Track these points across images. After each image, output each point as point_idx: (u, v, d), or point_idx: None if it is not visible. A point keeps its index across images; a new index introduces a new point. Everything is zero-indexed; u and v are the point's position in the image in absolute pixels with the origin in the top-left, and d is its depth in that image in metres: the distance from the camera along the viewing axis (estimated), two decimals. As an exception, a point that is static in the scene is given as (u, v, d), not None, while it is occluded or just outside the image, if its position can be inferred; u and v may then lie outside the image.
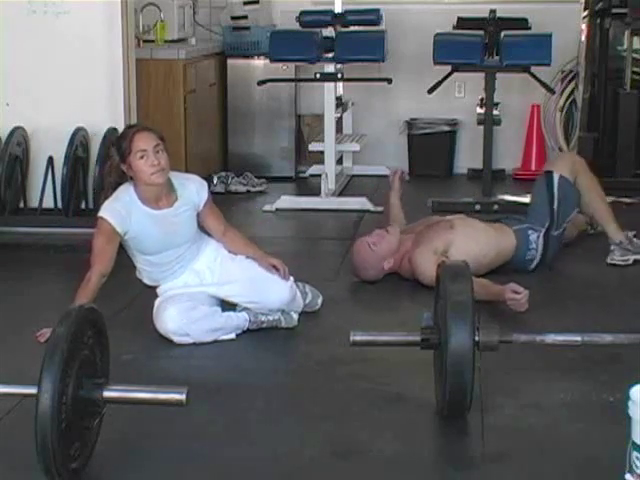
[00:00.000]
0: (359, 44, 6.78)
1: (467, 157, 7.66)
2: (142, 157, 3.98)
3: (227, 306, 4.21)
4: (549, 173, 5.10)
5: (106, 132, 5.55)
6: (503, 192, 6.74)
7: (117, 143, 4.09)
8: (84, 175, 5.62)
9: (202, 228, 4.26)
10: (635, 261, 5.07)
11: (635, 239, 5.17)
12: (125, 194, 4.05)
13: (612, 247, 5.13)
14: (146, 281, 4.24)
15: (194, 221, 4.19)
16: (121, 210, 4.01)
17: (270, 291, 4.18)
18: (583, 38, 7.07)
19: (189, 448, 3.12)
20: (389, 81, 6.79)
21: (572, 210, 5.11)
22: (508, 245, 4.92)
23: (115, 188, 4.08)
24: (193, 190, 4.17)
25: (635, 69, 7.11)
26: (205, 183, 4.25)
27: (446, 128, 7.68)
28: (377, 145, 7.78)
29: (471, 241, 4.78)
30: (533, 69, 6.34)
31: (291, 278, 4.25)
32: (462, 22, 6.97)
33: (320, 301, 4.46)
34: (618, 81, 7.10)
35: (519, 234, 4.94)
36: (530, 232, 4.95)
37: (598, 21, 6.99)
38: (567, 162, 5.22)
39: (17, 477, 2.96)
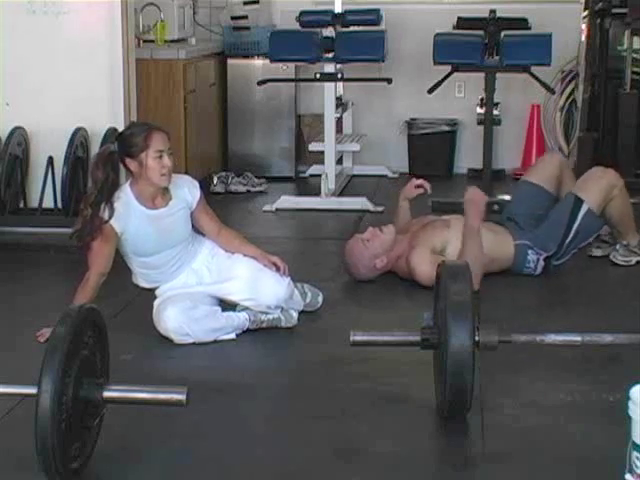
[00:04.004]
0: (359, 44, 6.78)
1: (467, 157, 7.66)
2: (159, 157, 3.98)
3: (226, 306, 4.21)
4: (579, 201, 4.86)
5: (106, 132, 5.55)
6: (503, 192, 6.73)
7: (126, 138, 4.02)
8: (84, 175, 5.61)
9: (196, 229, 4.26)
10: (638, 262, 5.07)
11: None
12: (122, 193, 4.05)
13: (617, 246, 5.12)
14: (143, 284, 4.24)
15: (188, 221, 4.19)
16: (120, 209, 4.01)
17: (267, 287, 4.17)
18: (583, 38, 7.07)
19: (189, 448, 3.12)
20: (389, 81, 6.79)
21: (585, 241, 4.97)
22: (505, 255, 4.87)
23: (104, 184, 3.97)
24: (186, 189, 4.17)
25: (635, 69, 7.11)
26: (196, 182, 4.25)
27: (446, 128, 7.68)
28: (377, 145, 7.78)
29: None
30: (533, 69, 6.34)
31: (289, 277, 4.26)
32: (462, 22, 6.98)
33: (321, 299, 4.46)
34: (618, 81, 7.11)
35: (518, 249, 4.87)
36: (530, 252, 4.87)
37: (598, 21, 6.99)
38: (603, 189, 4.88)
39: (17, 477, 2.96)
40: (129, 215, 4.03)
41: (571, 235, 4.86)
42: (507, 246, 4.88)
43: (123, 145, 4.01)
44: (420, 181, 5.17)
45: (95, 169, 4.00)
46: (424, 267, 4.65)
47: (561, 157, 5.35)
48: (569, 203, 4.89)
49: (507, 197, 6.54)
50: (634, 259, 5.06)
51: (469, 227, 4.65)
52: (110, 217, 3.97)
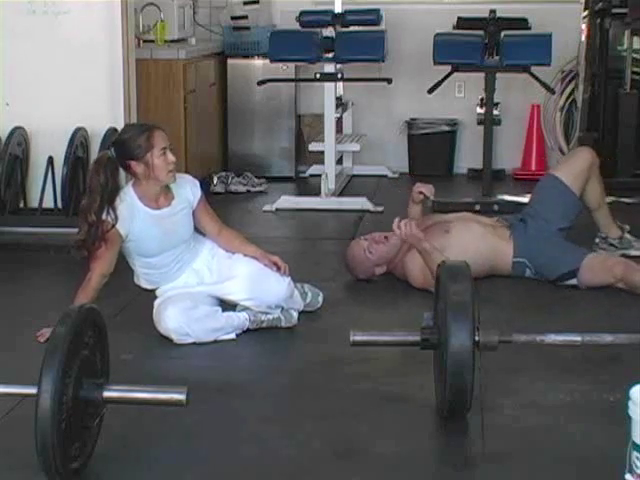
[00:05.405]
0: (359, 44, 6.78)
1: (467, 157, 7.66)
2: (163, 154, 3.98)
3: (227, 306, 4.21)
4: (573, 274, 4.74)
5: (106, 132, 5.55)
6: (503, 192, 6.74)
7: (126, 141, 4.00)
8: (84, 175, 5.61)
9: (196, 229, 4.25)
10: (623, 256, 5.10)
11: (629, 235, 5.20)
12: (126, 195, 4.04)
13: (597, 239, 5.18)
14: (145, 285, 4.23)
15: (191, 220, 4.19)
16: (124, 211, 4.01)
17: (268, 286, 4.17)
18: (583, 38, 7.07)
19: (189, 448, 3.12)
20: (389, 81, 6.80)
21: None
22: (501, 268, 4.85)
23: (105, 189, 3.95)
24: (187, 189, 4.18)
25: (635, 69, 7.11)
26: (197, 182, 4.25)
27: (446, 128, 7.68)
28: (377, 145, 7.78)
29: (465, 248, 4.65)
30: (533, 69, 6.34)
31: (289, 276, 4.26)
32: (462, 22, 6.97)
33: (321, 299, 4.46)
34: (618, 81, 7.11)
35: (516, 266, 4.84)
36: (527, 270, 4.84)
37: (598, 21, 6.99)
38: (607, 279, 4.70)
39: (17, 477, 2.96)
40: (133, 217, 4.03)
41: (560, 283, 4.79)
42: (505, 260, 4.84)
43: (125, 149, 3.99)
44: (421, 188, 5.08)
45: (95, 175, 3.97)
46: (417, 272, 4.66)
47: (592, 152, 5.16)
48: (566, 265, 4.77)
49: (507, 197, 6.58)
50: (616, 254, 5.07)
51: (421, 253, 4.56)
52: (115, 221, 3.96)
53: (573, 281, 4.73)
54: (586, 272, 4.71)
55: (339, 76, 6.84)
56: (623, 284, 4.67)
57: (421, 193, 5.03)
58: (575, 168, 5.05)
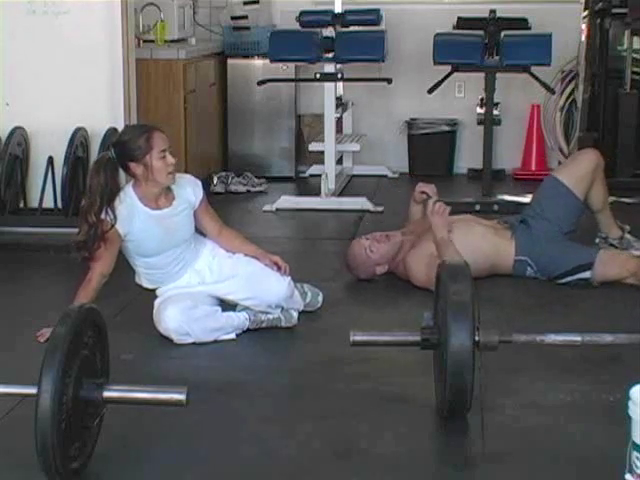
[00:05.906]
0: (359, 44, 6.79)
1: (467, 157, 7.66)
2: (163, 156, 3.98)
3: (227, 306, 4.21)
4: (587, 267, 4.75)
5: (106, 132, 5.55)
6: (503, 192, 6.74)
7: (126, 143, 4.00)
8: (84, 175, 5.61)
9: (197, 229, 4.25)
10: None
11: (629, 235, 5.21)
12: (126, 196, 4.04)
13: (597, 240, 5.19)
14: (146, 284, 4.23)
15: (192, 220, 4.19)
16: (123, 211, 4.01)
17: (268, 286, 4.17)
18: (583, 38, 7.07)
19: (189, 448, 3.12)
20: (389, 81, 6.80)
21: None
22: (503, 267, 4.85)
23: (104, 190, 3.95)
24: (189, 189, 4.18)
25: (635, 69, 7.11)
26: (199, 182, 4.26)
27: (446, 128, 7.68)
28: (377, 145, 7.78)
29: (468, 248, 4.65)
30: (533, 69, 6.34)
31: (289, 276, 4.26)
32: (462, 22, 6.98)
33: (321, 299, 4.46)
34: (618, 81, 7.11)
35: (517, 264, 4.84)
36: (529, 268, 4.84)
37: (598, 21, 6.99)
38: (621, 274, 4.75)
39: (17, 477, 2.96)
40: (133, 217, 4.03)
41: (563, 280, 4.78)
42: (507, 259, 4.85)
43: (124, 151, 3.99)
44: (423, 188, 5.05)
45: (95, 176, 3.98)
46: (418, 270, 4.66)
47: (598, 154, 5.13)
48: (572, 261, 4.78)
49: (507, 197, 6.58)
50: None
51: (439, 240, 4.64)
52: (114, 221, 3.96)
53: (586, 274, 4.73)
54: (599, 266, 4.74)
55: (339, 76, 6.84)
56: (635, 279, 4.70)
57: (423, 193, 5.02)
58: (579, 170, 5.03)
